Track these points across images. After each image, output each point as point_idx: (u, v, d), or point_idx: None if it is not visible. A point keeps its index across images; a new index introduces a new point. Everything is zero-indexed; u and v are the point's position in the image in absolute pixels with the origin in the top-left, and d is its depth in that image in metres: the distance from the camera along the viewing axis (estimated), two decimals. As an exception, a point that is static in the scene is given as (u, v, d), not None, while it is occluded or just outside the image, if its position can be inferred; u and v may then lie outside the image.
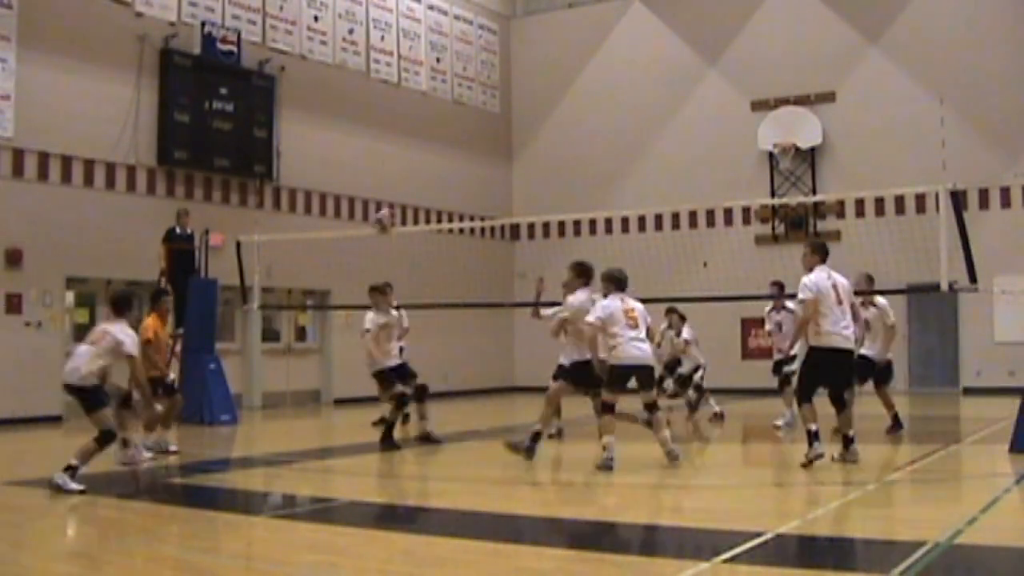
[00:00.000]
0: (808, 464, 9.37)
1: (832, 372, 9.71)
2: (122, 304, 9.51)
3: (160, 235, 16.30)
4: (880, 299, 12.69)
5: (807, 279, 9.71)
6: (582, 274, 10.37)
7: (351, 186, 21.42)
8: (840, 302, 9.60)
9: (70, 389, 9.09)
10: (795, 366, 13.89)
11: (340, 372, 20.17)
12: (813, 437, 9.41)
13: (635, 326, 9.74)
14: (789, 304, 16.89)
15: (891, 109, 21.38)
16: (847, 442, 9.77)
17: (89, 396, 8.94)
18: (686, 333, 15.07)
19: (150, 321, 11.45)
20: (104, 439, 8.86)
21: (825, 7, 22.56)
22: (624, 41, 24.75)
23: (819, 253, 9.90)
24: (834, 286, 9.66)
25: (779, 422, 13.62)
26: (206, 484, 9.57)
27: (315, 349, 21.00)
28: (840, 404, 9.78)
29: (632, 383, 9.82)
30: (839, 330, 9.53)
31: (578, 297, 10.20)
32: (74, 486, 8.59)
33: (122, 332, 9.14)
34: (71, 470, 8.67)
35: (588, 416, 16.86)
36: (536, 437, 10.30)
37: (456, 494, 9.05)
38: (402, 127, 22.61)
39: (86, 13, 16.87)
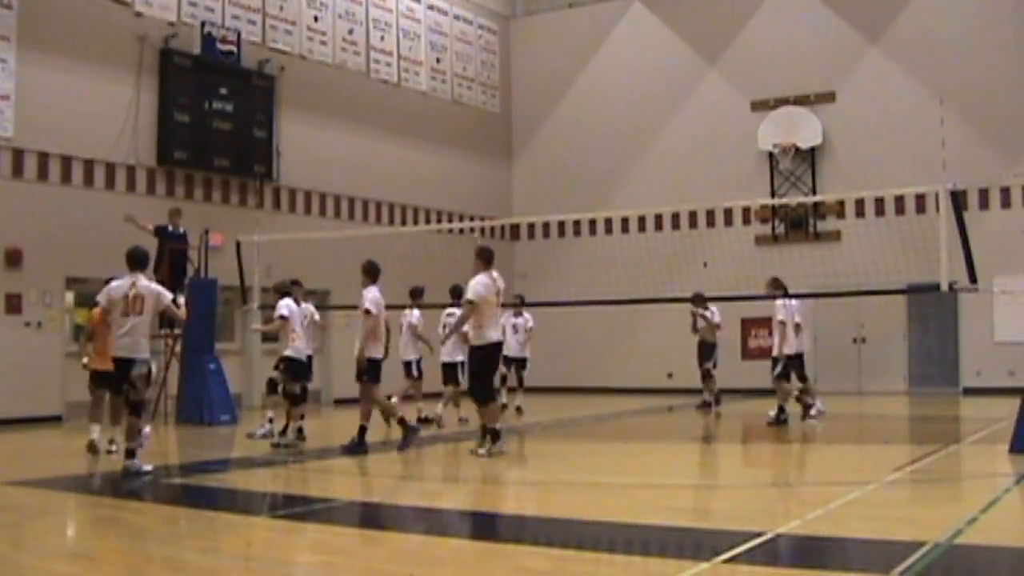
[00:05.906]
0: (483, 455, 10.39)
1: (494, 365, 11.09)
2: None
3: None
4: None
5: (473, 282, 10.58)
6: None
7: (351, 186, 21.41)
8: (499, 304, 10.91)
9: None
10: (780, 368, 14.26)
11: (340, 372, 20.08)
12: (497, 436, 10.54)
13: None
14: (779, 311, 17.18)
15: (891, 109, 21.37)
16: (495, 436, 10.58)
17: None
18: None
19: None
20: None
21: (825, 7, 22.55)
22: (624, 41, 24.75)
23: (484, 258, 10.74)
24: (497, 292, 10.70)
25: (812, 412, 14.17)
26: (206, 484, 9.56)
27: (315, 349, 20.87)
28: (493, 397, 10.97)
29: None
30: (496, 328, 10.86)
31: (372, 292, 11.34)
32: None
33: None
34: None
35: (586, 416, 16.92)
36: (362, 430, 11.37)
37: (456, 494, 9.04)
38: (402, 127, 22.60)
39: (86, 13, 16.85)
